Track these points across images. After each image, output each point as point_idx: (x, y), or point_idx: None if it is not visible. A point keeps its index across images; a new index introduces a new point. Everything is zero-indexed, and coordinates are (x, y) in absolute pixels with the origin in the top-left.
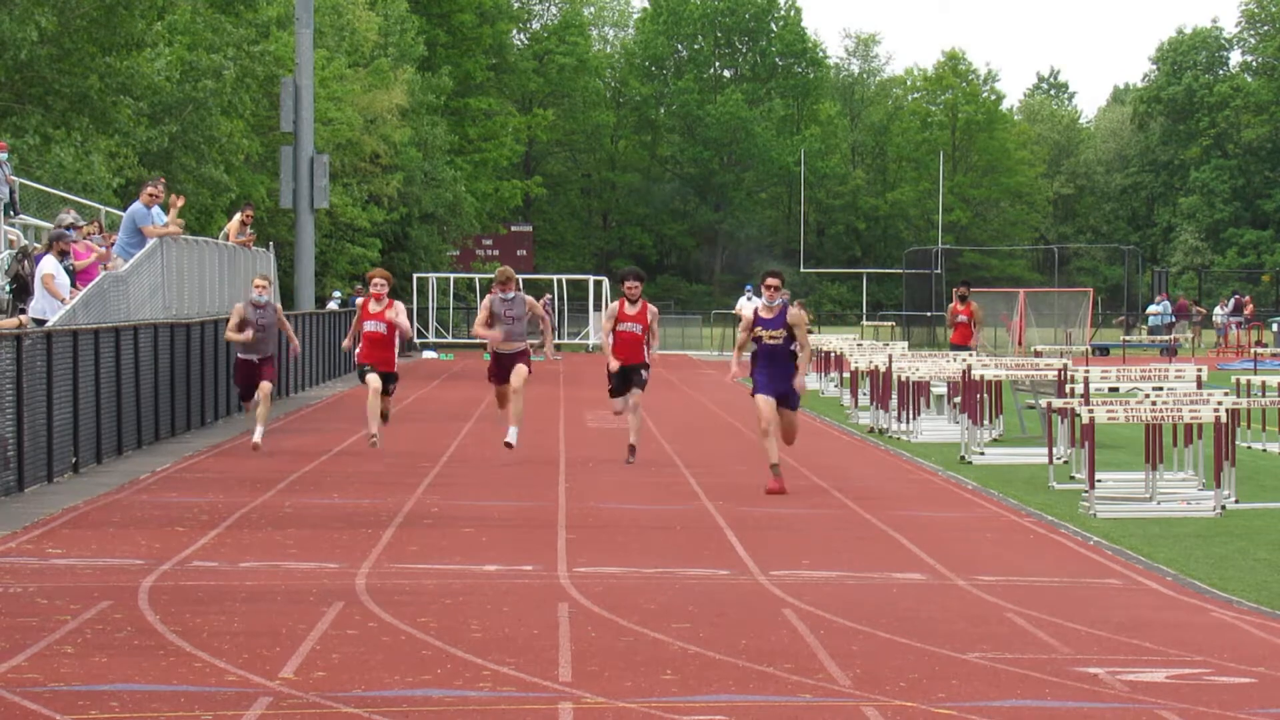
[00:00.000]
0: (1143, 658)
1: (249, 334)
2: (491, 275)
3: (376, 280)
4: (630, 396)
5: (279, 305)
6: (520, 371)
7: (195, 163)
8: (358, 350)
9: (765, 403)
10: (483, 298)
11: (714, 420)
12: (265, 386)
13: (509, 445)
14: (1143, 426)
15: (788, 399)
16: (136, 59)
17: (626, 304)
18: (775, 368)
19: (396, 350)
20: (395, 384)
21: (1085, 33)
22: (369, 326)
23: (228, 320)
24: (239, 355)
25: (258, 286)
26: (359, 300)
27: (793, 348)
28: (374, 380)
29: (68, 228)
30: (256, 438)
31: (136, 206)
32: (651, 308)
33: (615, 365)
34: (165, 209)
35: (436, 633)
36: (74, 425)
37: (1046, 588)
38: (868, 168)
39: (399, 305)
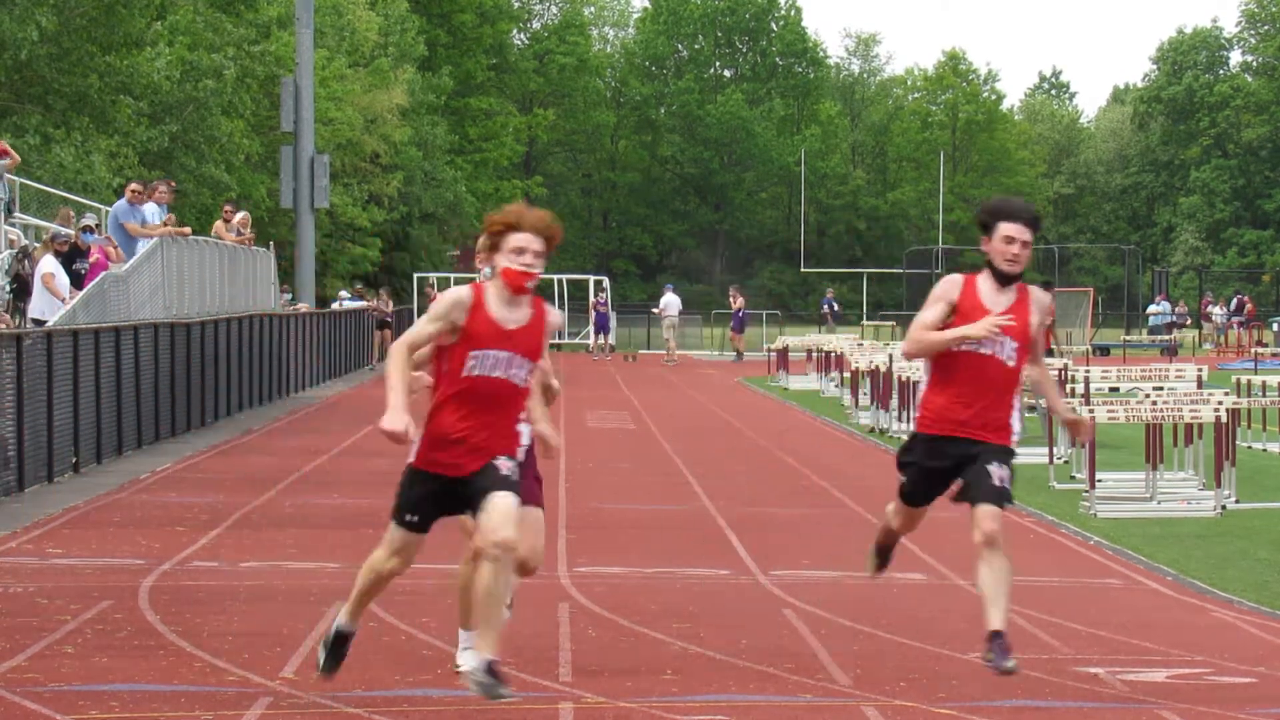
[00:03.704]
0: (1143, 658)
1: None
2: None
3: None
4: (980, 519)
5: None
6: (533, 520)
7: (195, 163)
8: None
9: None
10: None
11: (714, 420)
12: None
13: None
14: (1143, 426)
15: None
16: (136, 58)
17: (983, 286)
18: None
19: None
20: None
21: (1085, 33)
22: None
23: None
24: None
25: None
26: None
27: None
28: None
29: (84, 230)
30: None
31: (120, 204)
32: (1038, 295)
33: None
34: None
35: (436, 633)
36: (74, 425)
37: (1046, 588)
38: (868, 168)
39: None
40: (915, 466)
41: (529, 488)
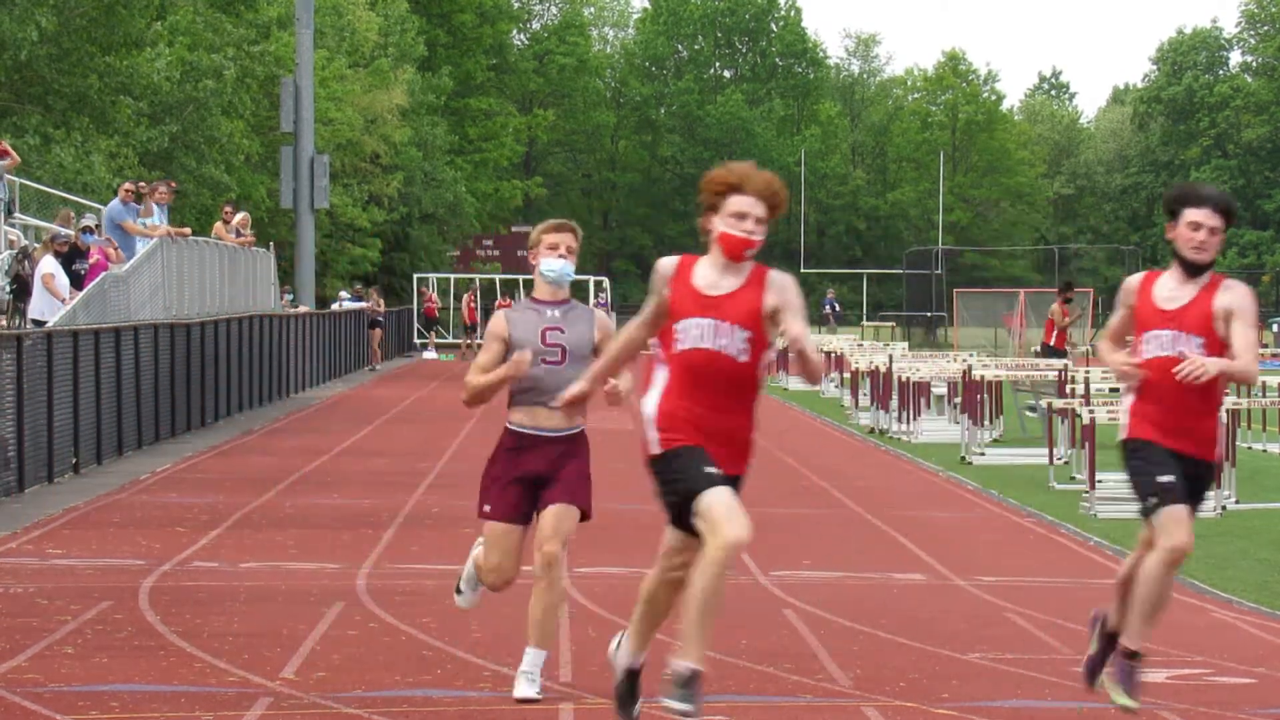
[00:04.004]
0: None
1: None
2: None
3: None
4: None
5: None
6: (564, 516)
7: (195, 163)
8: None
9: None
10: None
11: None
12: None
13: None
14: None
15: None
16: (136, 59)
17: (1163, 283)
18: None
19: None
20: None
21: (1085, 33)
22: None
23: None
24: None
25: None
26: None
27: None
28: None
29: (84, 230)
30: None
31: (114, 205)
32: (1232, 285)
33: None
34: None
35: (436, 633)
36: (74, 425)
37: (1047, 588)
38: (868, 168)
39: None
40: (1161, 466)
41: (581, 488)
